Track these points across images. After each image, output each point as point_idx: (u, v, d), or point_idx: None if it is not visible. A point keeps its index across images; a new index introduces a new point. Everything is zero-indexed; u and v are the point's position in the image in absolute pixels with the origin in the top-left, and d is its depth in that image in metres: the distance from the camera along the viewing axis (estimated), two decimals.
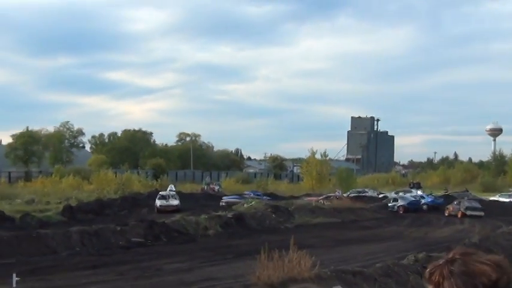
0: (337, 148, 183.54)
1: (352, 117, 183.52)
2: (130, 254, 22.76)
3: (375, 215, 41.89)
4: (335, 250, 24.68)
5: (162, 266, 19.96)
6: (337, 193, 54.82)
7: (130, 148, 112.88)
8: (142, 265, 20.14)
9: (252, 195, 53.86)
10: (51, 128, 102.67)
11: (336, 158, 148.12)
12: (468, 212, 41.61)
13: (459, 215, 41.44)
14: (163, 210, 41.33)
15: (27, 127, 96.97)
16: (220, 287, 15.59)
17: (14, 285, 11.04)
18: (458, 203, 43.63)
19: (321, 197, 50.72)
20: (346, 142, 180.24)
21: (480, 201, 51.25)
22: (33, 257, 21.31)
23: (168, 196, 45.44)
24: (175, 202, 43.92)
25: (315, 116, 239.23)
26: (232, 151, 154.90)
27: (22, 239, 22.38)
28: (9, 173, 79.87)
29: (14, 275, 10.99)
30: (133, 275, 18.23)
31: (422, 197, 51.14)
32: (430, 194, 53.99)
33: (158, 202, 43.55)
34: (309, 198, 50.54)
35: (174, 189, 49.77)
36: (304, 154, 77.62)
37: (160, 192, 47.41)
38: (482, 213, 41.73)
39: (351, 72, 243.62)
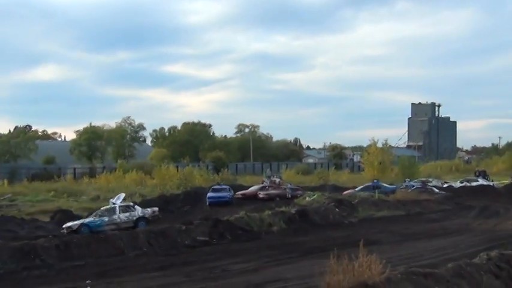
0: (397, 135, 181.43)
1: (412, 104, 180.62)
2: (196, 254, 22.84)
3: (440, 206, 40.91)
4: (402, 246, 24.18)
5: (228, 266, 19.93)
6: (270, 179, 55.74)
7: (190, 141, 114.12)
8: (209, 265, 20.16)
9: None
10: (112, 123, 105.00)
11: (396, 145, 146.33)
12: None
13: None
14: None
15: (90, 123, 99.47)
16: None
17: None
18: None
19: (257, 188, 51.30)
20: (406, 129, 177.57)
21: None
22: (101, 258, 21.71)
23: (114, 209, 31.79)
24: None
25: (375, 103, 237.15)
26: (291, 141, 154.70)
27: (91, 240, 22.79)
28: (74, 169, 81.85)
29: (89, 282, 10.94)
30: (200, 276, 18.27)
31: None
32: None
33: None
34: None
35: (118, 202, 32.88)
36: (364, 142, 76.74)
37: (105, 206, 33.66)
38: None
39: (410, 58, 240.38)
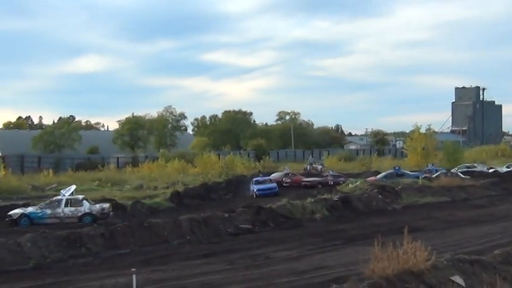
0: (441, 120, 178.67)
1: (456, 88, 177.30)
2: (239, 242, 22.89)
3: (486, 192, 40.07)
4: (447, 233, 23.79)
5: (271, 253, 19.91)
6: (285, 170, 55.05)
7: (231, 129, 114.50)
8: (252, 253, 20.19)
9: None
10: (154, 113, 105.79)
11: (440, 130, 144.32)
12: None
13: None
14: None
15: (133, 113, 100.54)
16: (333, 277, 15.28)
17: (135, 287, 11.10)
18: None
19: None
20: (450, 114, 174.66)
21: None
22: (146, 246, 21.93)
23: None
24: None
25: (417, 88, 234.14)
26: (332, 127, 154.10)
27: (135, 228, 23.02)
28: (118, 158, 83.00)
29: (134, 276, 11.02)
30: (244, 264, 18.29)
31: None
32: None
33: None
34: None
35: (67, 194, 31.12)
36: (407, 128, 75.60)
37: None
38: None
39: (454, 41, 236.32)
